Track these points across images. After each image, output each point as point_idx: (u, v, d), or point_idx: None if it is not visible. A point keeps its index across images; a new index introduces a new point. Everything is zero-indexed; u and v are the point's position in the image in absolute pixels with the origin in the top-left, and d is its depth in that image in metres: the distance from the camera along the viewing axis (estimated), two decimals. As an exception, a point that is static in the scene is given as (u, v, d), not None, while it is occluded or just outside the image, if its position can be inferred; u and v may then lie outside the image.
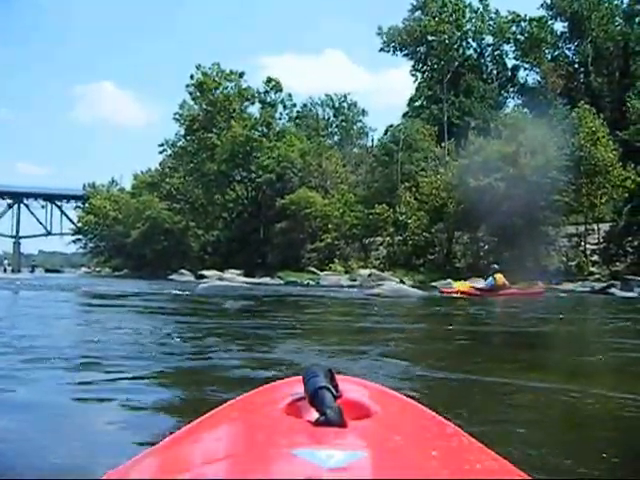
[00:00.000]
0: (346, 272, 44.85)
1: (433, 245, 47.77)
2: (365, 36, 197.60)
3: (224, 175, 60.44)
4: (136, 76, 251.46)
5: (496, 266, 23.25)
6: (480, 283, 24.12)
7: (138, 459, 1.02)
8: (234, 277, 39.77)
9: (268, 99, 66.00)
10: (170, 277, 45.77)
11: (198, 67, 65.09)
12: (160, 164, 69.68)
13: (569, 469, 2.91)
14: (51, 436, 3.40)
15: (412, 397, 1.44)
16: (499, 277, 21.77)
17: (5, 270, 66.58)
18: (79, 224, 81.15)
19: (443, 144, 54.15)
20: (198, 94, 64.61)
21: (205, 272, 47.57)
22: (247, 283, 28.72)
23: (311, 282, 38.84)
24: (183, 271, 48.55)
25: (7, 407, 4.07)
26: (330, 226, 52.68)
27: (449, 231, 46.96)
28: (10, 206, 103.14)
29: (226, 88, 65.38)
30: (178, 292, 21.43)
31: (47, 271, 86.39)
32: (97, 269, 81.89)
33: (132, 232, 63.97)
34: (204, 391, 4.61)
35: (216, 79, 64.87)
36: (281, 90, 66.37)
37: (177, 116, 66.20)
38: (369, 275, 38.83)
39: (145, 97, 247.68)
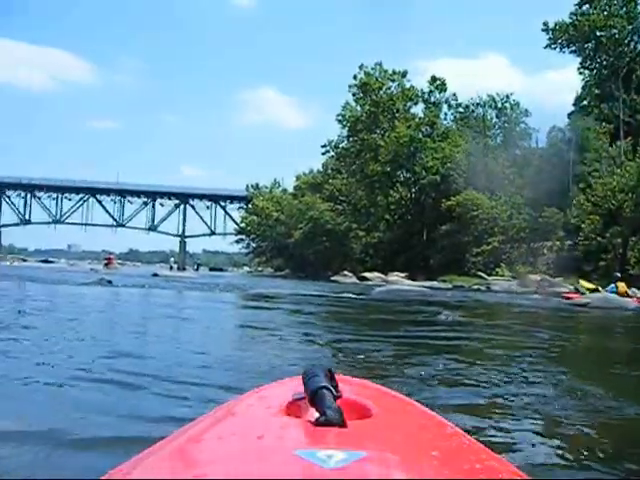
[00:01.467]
0: (513, 277, 42.95)
1: (605, 251, 44.86)
2: (521, 37, 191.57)
3: (387, 176, 59.65)
4: (297, 81, 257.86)
5: (618, 274, 23.37)
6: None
7: (138, 459, 1.02)
8: (399, 280, 38.85)
9: (432, 99, 64.64)
10: (332, 278, 45.44)
11: (361, 67, 64.73)
12: (323, 165, 69.78)
13: None
14: None
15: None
16: (621, 285, 21.61)
17: (171, 268, 68.65)
18: (242, 224, 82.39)
19: (618, 143, 50.84)
20: (361, 95, 64.14)
21: (367, 274, 47.05)
22: (422, 287, 27.38)
23: (481, 287, 37.23)
24: (346, 272, 48.09)
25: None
26: (496, 229, 50.78)
27: (624, 236, 43.93)
28: (177, 206, 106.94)
29: (389, 88, 64.57)
30: (353, 296, 20.27)
31: (211, 270, 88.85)
32: (259, 269, 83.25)
33: (294, 233, 64.30)
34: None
35: (379, 79, 64.20)
36: (445, 90, 64.88)
37: (340, 117, 66.05)
38: (540, 281, 37.03)
39: (305, 101, 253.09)
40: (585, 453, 3.14)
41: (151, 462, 0.98)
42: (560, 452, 3.22)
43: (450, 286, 38.08)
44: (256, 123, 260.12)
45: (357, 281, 43.75)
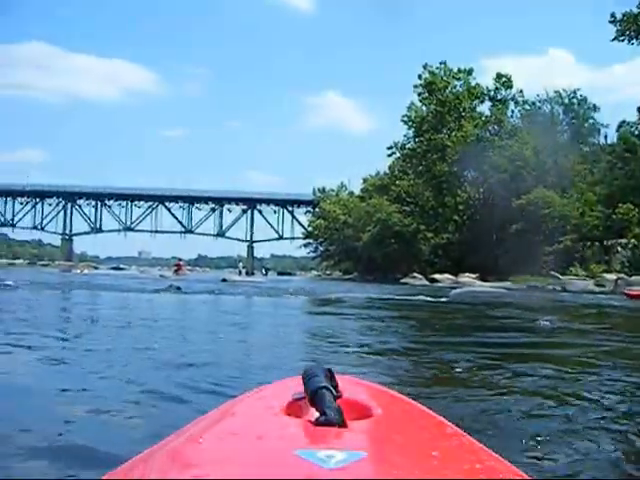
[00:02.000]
0: (588, 276, 41.97)
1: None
2: (586, 32, 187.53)
3: (455, 176, 59.03)
4: (361, 84, 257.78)
5: None
6: None
7: (138, 459, 1.02)
8: (471, 281, 38.37)
9: (498, 96, 63.64)
10: (402, 281, 45.11)
11: (425, 67, 64.18)
12: (389, 167, 69.32)
13: None
14: None
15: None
16: None
17: (240, 273, 69.07)
18: (309, 228, 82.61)
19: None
20: (427, 94, 63.60)
21: (437, 276, 46.65)
22: (498, 288, 26.69)
23: (556, 287, 36.40)
24: (415, 274, 47.70)
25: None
26: (568, 227, 49.74)
27: None
28: (244, 212, 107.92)
29: (455, 87, 63.87)
30: (429, 299, 19.77)
31: (279, 274, 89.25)
32: (327, 272, 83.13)
33: (362, 235, 64.03)
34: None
35: (444, 78, 63.58)
36: (511, 86, 63.82)
37: (405, 118, 65.59)
38: (617, 280, 36.18)
39: (369, 103, 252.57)
40: None
41: (151, 462, 0.98)
42: None
43: (524, 287, 37.27)
44: (321, 127, 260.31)
45: (427, 283, 43.38)
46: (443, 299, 19.57)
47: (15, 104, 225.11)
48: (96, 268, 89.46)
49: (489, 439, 3.11)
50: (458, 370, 5.80)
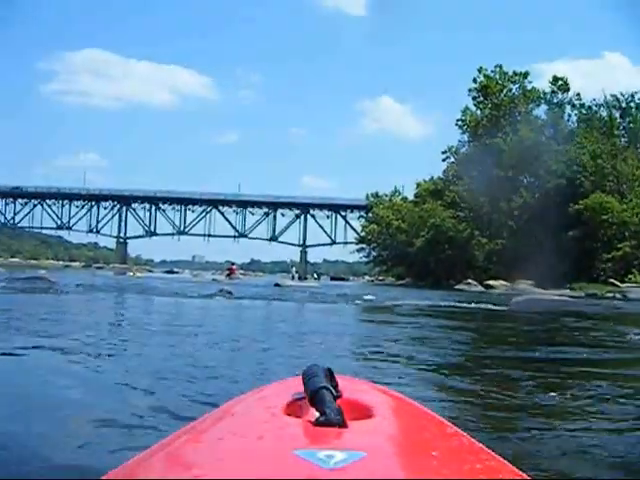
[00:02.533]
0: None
1: None
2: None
3: (510, 181, 58.20)
4: (414, 89, 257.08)
5: None
6: None
7: (138, 459, 1.02)
8: (529, 288, 37.72)
9: (555, 99, 62.66)
10: (456, 287, 44.56)
11: (480, 70, 63.60)
12: (443, 172, 68.77)
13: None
14: None
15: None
16: None
17: (293, 278, 69.10)
18: (362, 233, 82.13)
19: None
20: (481, 98, 62.96)
21: (491, 282, 46.04)
22: (561, 296, 25.71)
23: (616, 295, 35.51)
24: (470, 281, 47.07)
25: None
26: (627, 234, 48.66)
27: None
28: (297, 217, 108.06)
29: (510, 90, 63.15)
30: (491, 307, 18.99)
31: (332, 279, 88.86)
32: (379, 278, 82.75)
33: (415, 241, 63.62)
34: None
35: (499, 82, 62.86)
36: (568, 90, 62.76)
37: (459, 122, 65.10)
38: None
39: (422, 108, 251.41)
40: None
41: (151, 462, 0.98)
42: None
43: (582, 294, 36.41)
44: (374, 132, 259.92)
45: (482, 289, 42.80)
46: (505, 307, 18.61)
47: (73, 111, 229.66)
48: (150, 271, 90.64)
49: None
50: (533, 393, 5.02)
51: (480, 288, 43.24)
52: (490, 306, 19.12)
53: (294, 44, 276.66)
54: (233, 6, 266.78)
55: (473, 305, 19.46)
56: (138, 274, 56.70)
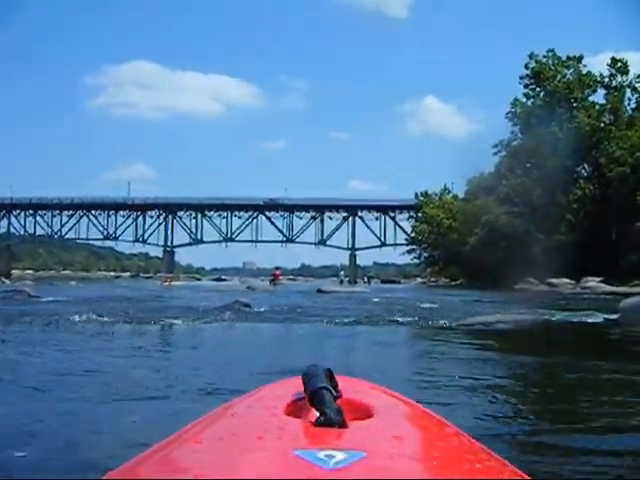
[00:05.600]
0: None
1: None
2: None
3: (567, 172, 54.67)
4: (457, 87, 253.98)
5: None
6: None
7: (138, 459, 1.03)
8: (598, 286, 34.75)
9: (613, 83, 58.75)
10: (516, 287, 41.56)
11: (531, 56, 60.14)
12: (495, 166, 65.51)
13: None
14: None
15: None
16: None
17: (342, 282, 66.77)
18: (413, 234, 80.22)
19: None
20: (534, 85, 59.57)
21: (554, 280, 43.04)
22: None
23: None
24: (531, 279, 43.91)
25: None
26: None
27: None
28: (345, 219, 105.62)
29: (564, 76, 59.50)
30: (599, 319, 13.58)
31: (382, 282, 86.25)
32: (432, 279, 79.93)
33: (468, 239, 60.68)
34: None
35: (552, 67, 59.36)
36: (627, 72, 58.69)
37: (509, 115, 61.89)
38: None
39: (466, 107, 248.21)
40: None
41: (151, 462, 0.98)
42: None
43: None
44: (420, 132, 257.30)
45: (545, 288, 39.86)
46: (613, 317, 13.61)
47: (121, 123, 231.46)
48: (199, 279, 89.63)
49: None
50: None
51: (543, 287, 40.35)
52: (600, 317, 13.93)
53: (337, 48, 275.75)
54: (274, 13, 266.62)
55: (557, 318, 14.20)
56: (175, 283, 52.95)
